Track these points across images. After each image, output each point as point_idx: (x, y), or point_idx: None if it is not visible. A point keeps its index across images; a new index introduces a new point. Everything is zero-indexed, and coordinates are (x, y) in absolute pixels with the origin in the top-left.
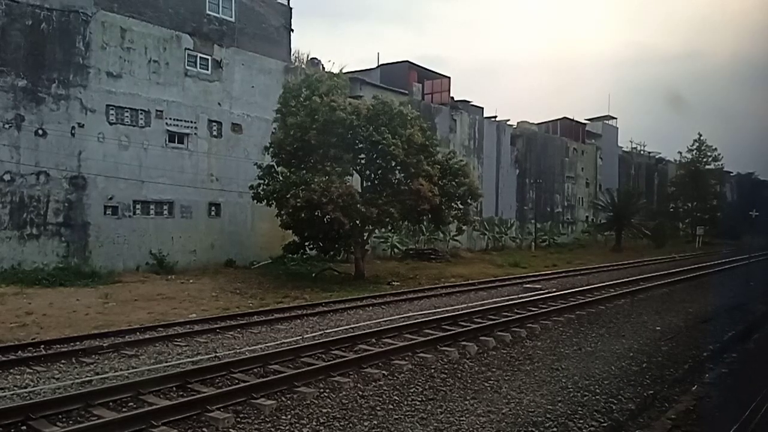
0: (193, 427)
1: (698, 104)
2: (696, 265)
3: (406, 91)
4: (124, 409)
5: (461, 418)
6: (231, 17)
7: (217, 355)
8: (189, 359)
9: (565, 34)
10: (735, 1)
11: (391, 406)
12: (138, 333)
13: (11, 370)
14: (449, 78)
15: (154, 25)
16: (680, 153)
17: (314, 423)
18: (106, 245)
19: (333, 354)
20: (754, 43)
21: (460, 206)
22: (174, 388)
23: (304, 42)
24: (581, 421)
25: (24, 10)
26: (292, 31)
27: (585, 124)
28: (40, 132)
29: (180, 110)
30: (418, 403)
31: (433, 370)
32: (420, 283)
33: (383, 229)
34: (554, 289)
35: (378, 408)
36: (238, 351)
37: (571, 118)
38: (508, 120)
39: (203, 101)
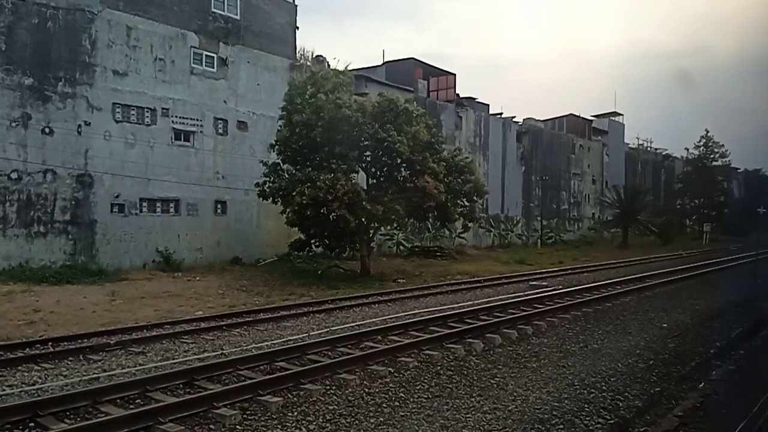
0: (200, 423)
1: (705, 100)
2: (703, 262)
3: (412, 89)
4: (131, 406)
5: (467, 416)
6: (236, 15)
7: (224, 352)
8: (196, 356)
9: (570, 31)
10: None
11: (397, 403)
12: (145, 330)
13: (19, 367)
14: (454, 75)
15: (159, 23)
16: (687, 149)
17: (320, 420)
18: (112, 243)
19: (339, 351)
20: (760, 39)
21: (466, 203)
22: (181, 385)
23: (310, 39)
24: (588, 419)
25: (30, 8)
26: (298, 28)
27: (591, 120)
28: (47, 130)
29: (186, 108)
30: (424, 400)
31: (439, 368)
32: (426, 280)
33: (389, 227)
34: (560, 286)
35: (384, 405)
36: (244, 348)
37: (577, 114)
38: (514, 117)
39: (209, 99)
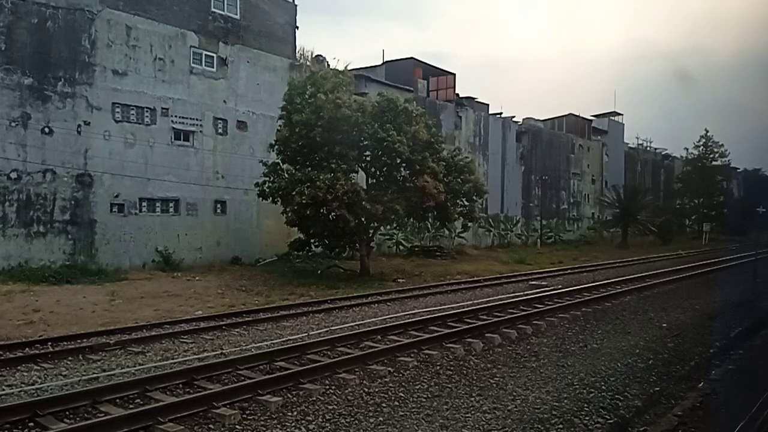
0: (199, 423)
1: (705, 100)
2: (702, 262)
3: (411, 88)
4: (130, 406)
5: (467, 415)
6: (236, 14)
7: (223, 351)
8: (195, 356)
9: (570, 31)
10: None
11: (397, 403)
12: (144, 330)
13: (19, 367)
14: (454, 74)
15: (159, 23)
16: (687, 149)
17: (320, 419)
18: (112, 243)
19: (338, 351)
20: (760, 39)
21: (466, 203)
22: (180, 385)
23: (309, 39)
24: (587, 418)
25: (30, 8)
26: (297, 28)
27: (591, 120)
28: (47, 130)
29: (185, 108)
30: (423, 399)
31: (438, 367)
32: (425, 280)
33: (388, 227)
34: (560, 286)
35: (384, 405)
36: (244, 348)
37: (577, 114)
38: (514, 116)
39: (208, 99)
